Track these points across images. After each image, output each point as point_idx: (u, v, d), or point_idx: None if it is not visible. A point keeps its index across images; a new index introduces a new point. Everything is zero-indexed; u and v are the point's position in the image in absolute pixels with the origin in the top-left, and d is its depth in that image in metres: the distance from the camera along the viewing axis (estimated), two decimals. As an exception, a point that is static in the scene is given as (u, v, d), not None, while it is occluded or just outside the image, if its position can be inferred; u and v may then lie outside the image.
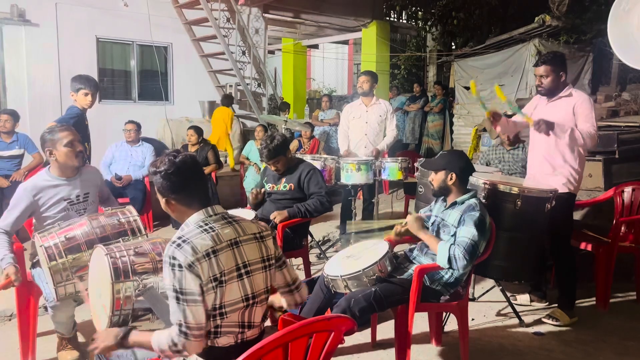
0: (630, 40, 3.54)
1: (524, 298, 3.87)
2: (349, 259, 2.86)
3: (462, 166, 2.90)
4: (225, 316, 1.79)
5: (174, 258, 1.71)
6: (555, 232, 3.52)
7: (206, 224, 1.82)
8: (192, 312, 1.70)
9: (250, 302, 1.86)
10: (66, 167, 2.97)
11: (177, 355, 1.73)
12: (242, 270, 1.83)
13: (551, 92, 3.46)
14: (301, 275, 4.21)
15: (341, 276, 2.69)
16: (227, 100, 8.11)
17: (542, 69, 3.42)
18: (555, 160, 3.46)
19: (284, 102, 9.02)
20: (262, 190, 4.12)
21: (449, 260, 2.68)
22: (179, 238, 1.76)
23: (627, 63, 3.69)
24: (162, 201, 1.90)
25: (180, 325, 1.71)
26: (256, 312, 1.90)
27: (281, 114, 8.36)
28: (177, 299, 1.71)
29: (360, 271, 2.66)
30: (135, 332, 1.84)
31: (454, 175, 2.87)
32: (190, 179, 1.87)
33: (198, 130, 6.34)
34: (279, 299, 2.11)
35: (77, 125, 3.78)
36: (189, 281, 1.70)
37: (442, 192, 2.95)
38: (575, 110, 3.37)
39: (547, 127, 3.28)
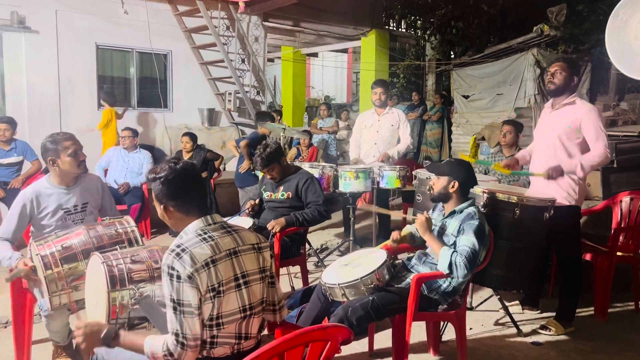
0: (628, 50, 3.55)
1: (515, 306, 3.85)
2: (347, 267, 2.85)
3: (465, 177, 2.91)
4: (222, 327, 1.78)
5: (173, 268, 1.70)
6: (564, 247, 3.52)
7: (205, 233, 1.81)
8: (189, 323, 1.69)
9: (248, 312, 1.85)
10: (67, 176, 2.96)
11: None
12: (241, 281, 1.82)
13: (560, 92, 3.45)
14: (299, 283, 4.21)
15: (339, 284, 2.68)
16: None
17: (557, 64, 3.45)
18: None
19: (276, 109, 9.02)
20: (257, 201, 4.13)
21: (450, 267, 2.67)
22: (178, 247, 1.75)
23: (625, 73, 3.70)
24: (160, 208, 1.88)
25: (177, 335, 1.69)
26: (253, 323, 1.89)
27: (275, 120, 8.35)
28: (175, 309, 1.70)
29: (358, 279, 2.65)
30: (126, 332, 1.81)
31: (456, 183, 2.88)
32: (189, 185, 1.86)
33: (193, 137, 6.33)
34: None
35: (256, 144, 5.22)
36: (187, 293, 1.69)
37: (441, 198, 2.95)
38: (583, 125, 3.32)
39: (559, 173, 3.30)
